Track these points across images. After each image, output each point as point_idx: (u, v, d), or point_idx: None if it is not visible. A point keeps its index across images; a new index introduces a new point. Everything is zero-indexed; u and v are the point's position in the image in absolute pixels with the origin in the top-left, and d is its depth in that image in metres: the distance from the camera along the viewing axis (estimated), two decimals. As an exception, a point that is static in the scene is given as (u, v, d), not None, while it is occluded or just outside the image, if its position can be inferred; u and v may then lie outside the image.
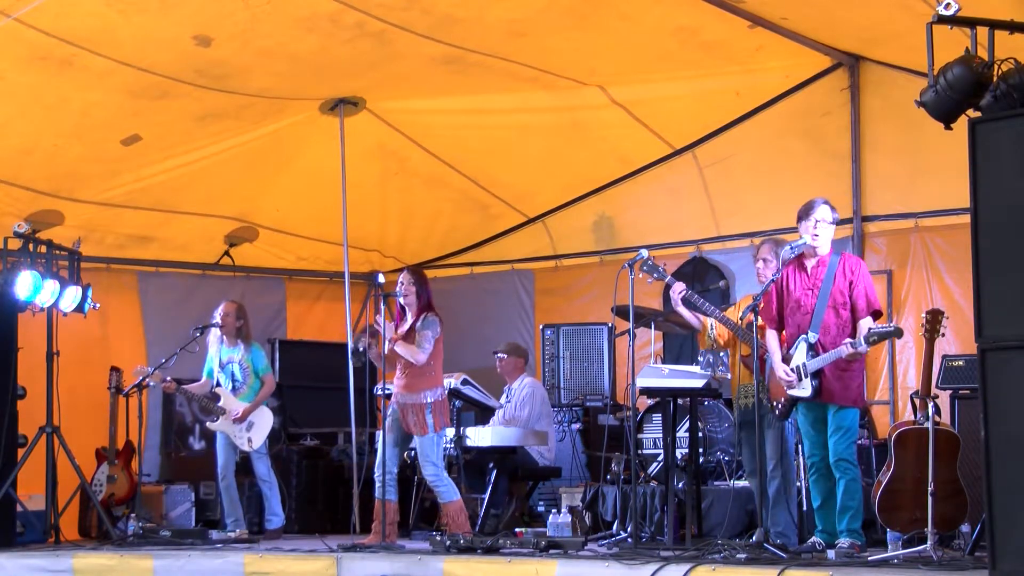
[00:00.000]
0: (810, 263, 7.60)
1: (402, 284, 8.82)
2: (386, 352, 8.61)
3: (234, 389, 10.22)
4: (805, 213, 7.61)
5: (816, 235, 7.55)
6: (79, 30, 8.44)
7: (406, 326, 8.76)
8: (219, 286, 12.16)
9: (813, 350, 7.42)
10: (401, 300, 8.81)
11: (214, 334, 10.31)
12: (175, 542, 9.10)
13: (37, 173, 10.23)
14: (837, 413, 7.39)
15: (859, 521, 7.37)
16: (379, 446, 8.75)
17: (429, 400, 8.65)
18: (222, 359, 10.29)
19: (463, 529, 8.55)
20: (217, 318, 10.22)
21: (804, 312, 7.52)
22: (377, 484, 8.65)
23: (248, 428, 10.15)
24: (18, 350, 9.69)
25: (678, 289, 8.18)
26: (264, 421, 10.23)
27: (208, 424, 10.31)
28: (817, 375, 7.40)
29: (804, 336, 7.44)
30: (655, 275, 8.33)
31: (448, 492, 8.68)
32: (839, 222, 10.41)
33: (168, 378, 10.13)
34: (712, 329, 8.19)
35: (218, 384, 10.26)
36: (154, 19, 8.40)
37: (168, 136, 10.25)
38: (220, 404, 10.15)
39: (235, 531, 9.80)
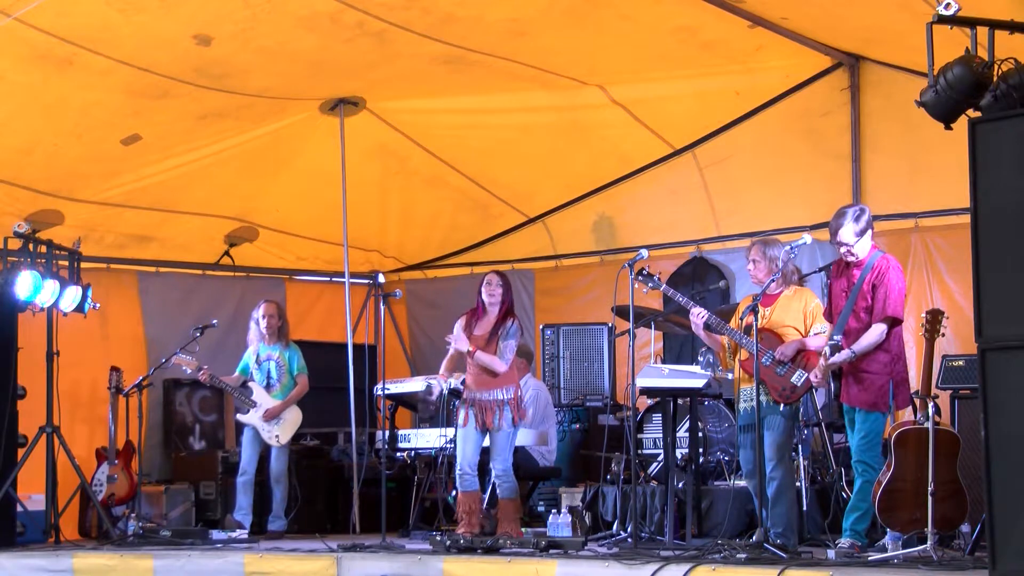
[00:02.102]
0: (852, 265, 7.64)
1: (490, 284, 8.80)
2: (466, 354, 8.73)
3: (268, 386, 10.31)
4: (832, 234, 7.63)
5: (843, 255, 7.64)
6: (79, 29, 8.44)
7: (487, 326, 8.76)
8: (219, 286, 12.17)
9: (838, 352, 7.51)
10: (486, 299, 8.80)
11: (255, 332, 10.41)
12: (175, 542, 9.09)
13: (37, 173, 10.22)
14: (860, 415, 7.48)
15: (865, 523, 7.43)
16: (458, 441, 8.79)
17: (504, 397, 8.66)
18: (260, 355, 10.38)
19: (513, 527, 8.56)
20: (257, 319, 10.34)
21: (837, 313, 7.61)
22: (458, 477, 8.73)
23: (277, 423, 10.20)
24: (18, 350, 9.69)
25: (698, 314, 8.05)
26: (294, 419, 10.33)
27: (238, 417, 10.38)
28: (837, 377, 7.45)
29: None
30: (650, 285, 8.30)
31: (510, 489, 8.69)
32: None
33: (204, 367, 10.17)
34: (727, 345, 8.16)
35: (251, 379, 10.32)
36: (154, 18, 8.40)
37: (168, 136, 10.25)
38: (253, 397, 10.22)
39: (239, 521, 9.84)
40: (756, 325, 7.61)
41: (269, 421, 10.22)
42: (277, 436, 10.25)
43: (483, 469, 9.28)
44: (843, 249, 7.61)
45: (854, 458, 7.50)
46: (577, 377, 10.98)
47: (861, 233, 7.56)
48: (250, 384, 10.35)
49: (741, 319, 7.83)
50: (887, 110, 10.05)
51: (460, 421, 8.73)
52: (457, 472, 8.76)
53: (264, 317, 10.38)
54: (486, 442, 8.79)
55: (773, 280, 7.89)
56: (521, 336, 8.87)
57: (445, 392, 9.09)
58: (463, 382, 9.24)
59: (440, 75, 9.87)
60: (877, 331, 7.43)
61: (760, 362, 7.68)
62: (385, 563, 7.86)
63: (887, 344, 7.47)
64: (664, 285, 8.37)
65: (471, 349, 8.63)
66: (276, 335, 10.41)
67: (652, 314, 9.74)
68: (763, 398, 7.78)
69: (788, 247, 7.81)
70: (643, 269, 8.27)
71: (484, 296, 8.80)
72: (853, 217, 7.56)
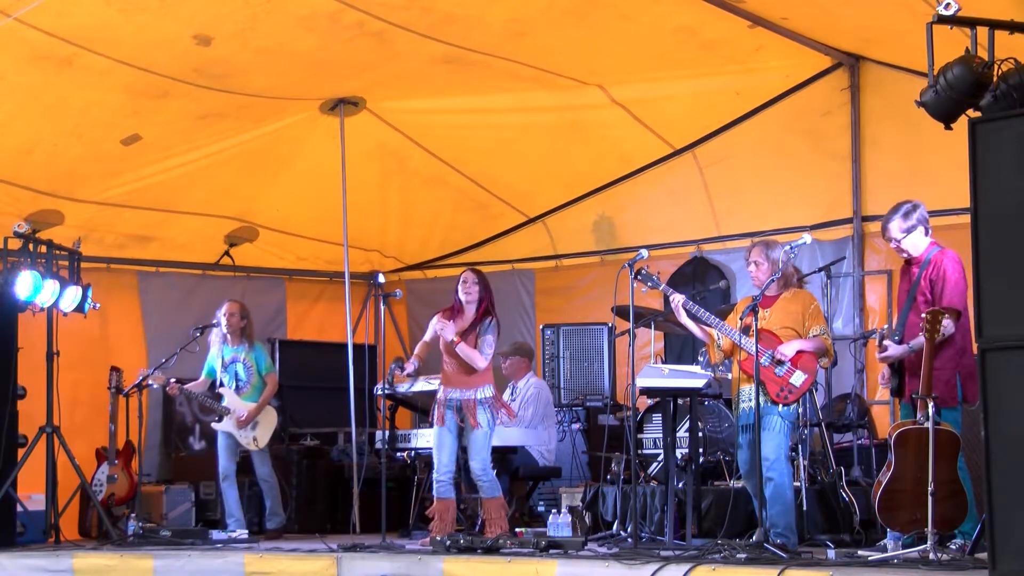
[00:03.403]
0: (912, 264, 7.60)
1: (465, 283, 8.78)
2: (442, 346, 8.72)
3: (237, 389, 10.22)
4: (882, 232, 7.63)
5: (894, 249, 7.63)
6: (79, 29, 8.44)
7: (465, 323, 8.74)
8: (219, 286, 12.16)
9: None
10: (463, 297, 8.78)
11: (216, 333, 10.30)
12: (175, 542, 9.10)
13: (37, 173, 10.23)
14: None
15: (969, 524, 7.20)
16: (434, 446, 8.78)
17: (481, 396, 8.64)
18: (225, 358, 10.28)
19: (501, 527, 8.54)
20: (220, 318, 10.22)
21: (899, 312, 7.57)
22: (434, 483, 8.72)
23: (253, 427, 10.16)
24: (18, 350, 9.69)
25: (677, 300, 8.09)
26: (269, 420, 10.25)
27: (213, 424, 10.30)
28: (897, 373, 7.45)
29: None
30: (649, 284, 8.28)
31: (491, 488, 8.66)
32: (838, 222, 10.52)
33: (172, 380, 10.12)
34: (719, 339, 8.14)
35: (221, 384, 10.26)
36: (154, 18, 8.41)
37: (168, 136, 10.25)
38: (224, 404, 10.15)
39: (236, 531, 9.80)
40: (756, 326, 7.61)
41: (245, 427, 10.16)
42: (255, 439, 10.18)
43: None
44: (892, 245, 7.58)
45: None
46: (577, 377, 10.98)
47: (910, 230, 7.49)
48: (220, 390, 10.23)
49: (740, 319, 7.83)
50: (887, 110, 10.05)
51: (435, 420, 8.73)
52: (433, 477, 8.76)
53: (225, 316, 10.24)
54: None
55: (772, 281, 7.89)
56: (498, 334, 8.78)
57: (413, 372, 8.97)
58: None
59: (440, 75, 9.87)
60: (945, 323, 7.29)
61: (759, 362, 7.69)
62: (385, 563, 7.86)
63: (952, 337, 7.31)
64: (665, 287, 8.34)
65: (455, 339, 8.60)
66: (239, 335, 10.26)
67: (652, 314, 9.74)
68: (761, 398, 7.78)
69: (788, 247, 7.81)
70: (642, 269, 8.26)
71: (461, 295, 8.78)
72: (902, 213, 7.51)
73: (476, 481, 8.68)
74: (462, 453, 8.91)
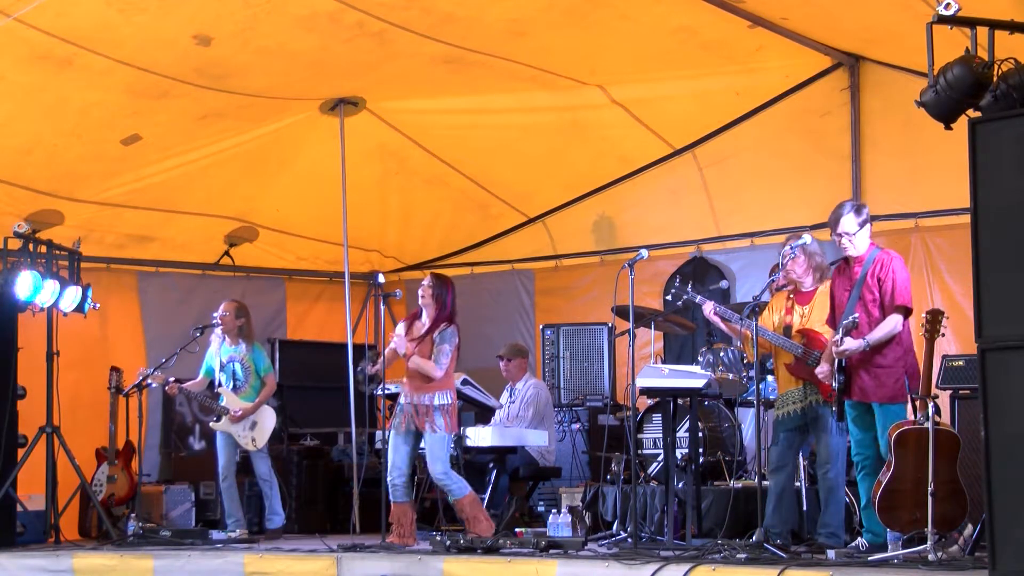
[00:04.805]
0: (853, 263, 7.58)
1: (422, 288, 8.74)
2: (406, 364, 8.63)
3: (235, 388, 10.20)
4: (832, 225, 7.57)
5: (843, 247, 7.55)
6: (79, 29, 8.44)
7: (420, 329, 8.70)
8: (219, 286, 12.16)
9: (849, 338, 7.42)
10: (420, 302, 8.74)
11: (217, 333, 10.31)
12: (175, 542, 9.10)
13: (37, 173, 10.23)
14: (880, 410, 7.36)
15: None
16: (389, 449, 8.67)
17: (439, 402, 8.57)
18: (223, 358, 10.27)
19: (480, 521, 8.51)
20: (216, 318, 10.23)
21: (841, 309, 7.54)
22: (389, 487, 8.59)
23: (251, 427, 10.15)
24: (18, 350, 9.69)
25: (709, 309, 8.08)
26: (267, 420, 10.23)
27: (211, 424, 10.30)
28: (844, 371, 7.42)
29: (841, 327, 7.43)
30: (686, 296, 8.22)
31: (459, 488, 8.61)
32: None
33: (171, 379, 10.12)
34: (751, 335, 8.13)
35: (219, 384, 10.26)
36: (154, 18, 8.41)
37: (168, 136, 10.25)
38: (223, 404, 10.15)
39: (236, 531, 9.80)
40: (756, 324, 7.62)
41: (240, 424, 10.10)
42: (253, 439, 10.15)
43: (481, 470, 9.28)
44: (844, 240, 7.50)
45: (885, 455, 7.29)
46: (577, 377, 10.98)
47: (861, 225, 7.49)
48: (219, 390, 10.22)
49: (742, 319, 7.83)
50: (887, 110, 10.05)
51: (396, 424, 8.65)
52: (388, 481, 8.61)
53: (221, 315, 10.20)
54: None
55: (773, 279, 7.90)
56: (457, 341, 8.62)
57: (368, 373, 8.90)
58: (463, 381, 9.22)
59: (440, 75, 9.87)
60: (893, 321, 7.34)
61: (807, 363, 7.75)
62: (385, 563, 7.86)
63: (899, 336, 7.38)
64: (698, 296, 8.29)
65: (407, 352, 8.56)
66: (236, 335, 10.22)
67: (652, 314, 9.74)
68: (814, 398, 7.77)
69: (788, 247, 7.83)
70: (675, 279, 8.28)
71: (419, 299, 8.76)
72: (853, 209, 7.52)
73: (440, 486, 8.62)
74: (420, 459, 8.87)
